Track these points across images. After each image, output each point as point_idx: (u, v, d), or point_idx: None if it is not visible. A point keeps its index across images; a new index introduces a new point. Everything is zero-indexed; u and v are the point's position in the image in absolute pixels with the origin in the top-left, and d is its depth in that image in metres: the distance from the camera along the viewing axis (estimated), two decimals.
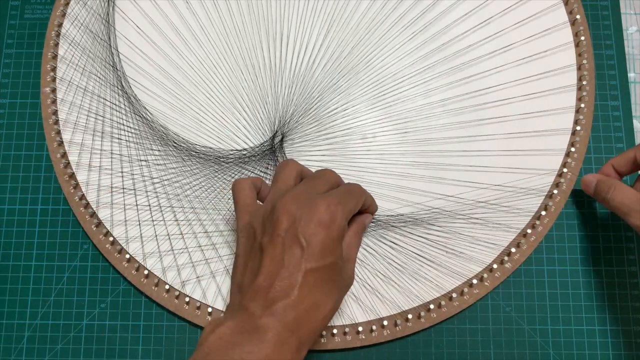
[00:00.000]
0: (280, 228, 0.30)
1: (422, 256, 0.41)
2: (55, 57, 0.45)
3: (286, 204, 0.31)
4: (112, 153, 0.43)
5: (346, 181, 0.37)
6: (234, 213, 0.42)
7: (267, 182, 0.42)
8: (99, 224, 0.41)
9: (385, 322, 0.39)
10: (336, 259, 0.31)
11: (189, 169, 0.42)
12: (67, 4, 0.45)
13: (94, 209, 0.42)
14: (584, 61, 0.44)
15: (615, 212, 0.37)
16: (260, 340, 0.28)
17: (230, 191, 0.38)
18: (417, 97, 0.44)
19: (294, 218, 0.31)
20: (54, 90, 0.44)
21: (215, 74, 0.44)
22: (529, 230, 0.41)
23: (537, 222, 0.41)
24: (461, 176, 0.42)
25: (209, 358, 0.28)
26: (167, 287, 0.40)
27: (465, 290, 0.40)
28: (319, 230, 0.30)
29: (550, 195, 0.41)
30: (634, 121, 0.44)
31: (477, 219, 0.41)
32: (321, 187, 0.34)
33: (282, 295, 0.29)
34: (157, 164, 0.43)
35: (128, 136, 0.43)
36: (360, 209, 0.35)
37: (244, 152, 0.43)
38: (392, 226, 0.41)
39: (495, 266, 0.40)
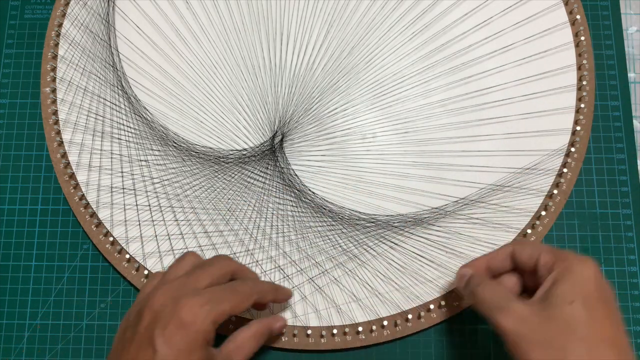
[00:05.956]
0: (141, 325, 0.30)
1: (422, 256, 0.41)
2: (55, 57, 0.45)
3: (155, 300, 0.30)
4: (112, 153, 0.43)
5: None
6: (233, 213, 0.42)
7: (266, 184, 0.42)
8: (99, 224, 0.41)
9: (385, 322, 0.39)
10: None
11: (189, 169, 0.42)
12: (67, 4, 0.45)
13: (94, 209, 0.42)
14: (584, 61, 0.44)
15: (479, 308, 0.33)
16: None
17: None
18: (417, 97, 0.44)
19: (156, 316, 0.30)
20: (54, 90, 0.44)
21: (215, 74, 0.44)
22: (529, 230, 0.41)
23: (537, 222, 0.41)
24: (461, 176, 0.42)
25: None
26: None
27: None
28: (176, 332, 0.29)
29: (550, 195, 0.41)
30: (634, 121, 0.44)
31: (477, 219, 0.41)
32: (202, 281, 0.32)
33: None
34: (157, 164, 0.43)
35: (128, 136, 0.43)
36: (259, 305, 0.34)
37: (244, 152, 0.43)
38: (392, 226, 0.41)
39: None
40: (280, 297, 0.37)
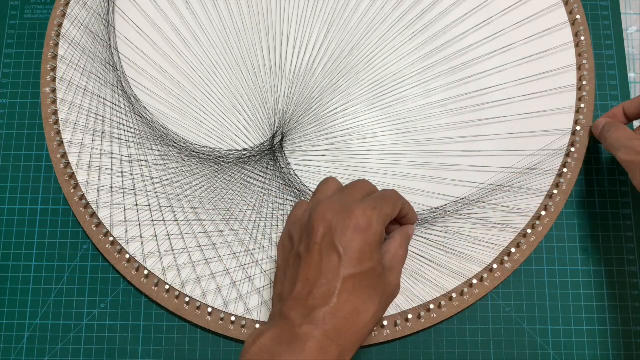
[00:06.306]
0: (316, 236, 0.30)
1: (422, 256, 0.41)
2: (55, 57, 0.45)
3: (322, 212, 0.31)
4: (112, 153, 0.43)
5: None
6: (233, 213, 0.42)
7: (266, 184, 0.42)
8: (99, 224, 0.41)
9: (385, 322, 0.39)
10: (374, 265, 0.31)
11: (189, 169, 0.42)
12: (67, 4, 0.45)
13: (94, 209, 0.42)
14: (584, 61, 0.44)
15: (610, 150, 0.39)
16: (300, 349, 0.28)
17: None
18: (417, 97, 0.44)
19: (330, 225, 0.31)
20: (54, 90, 0.44)
21: (215, 74, 0.44)
22: (529, 230, 0.41)
23: (537, 222, 0.41)
24: (461, 176, 0.42)
25: None
26: (167, 287, 0.40)
27: (465, 290, 0.40)
28: (356, 236, 0.30)
29: (550, 195, 0.41)
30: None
31: (477, 219, 0.41)
32: (356, 194, 0.33)
33: (321, 303, 0.29)
34: (157, 164, 0.43)
35: (128, 136, 0.43)
36: (398, 217, 0.35)
37: (244, 152, 0.43)
38: None
39: (495, 266, 0.40)
40: (413, 213, 0.37)
